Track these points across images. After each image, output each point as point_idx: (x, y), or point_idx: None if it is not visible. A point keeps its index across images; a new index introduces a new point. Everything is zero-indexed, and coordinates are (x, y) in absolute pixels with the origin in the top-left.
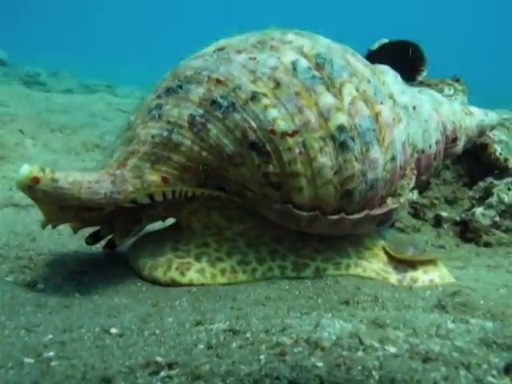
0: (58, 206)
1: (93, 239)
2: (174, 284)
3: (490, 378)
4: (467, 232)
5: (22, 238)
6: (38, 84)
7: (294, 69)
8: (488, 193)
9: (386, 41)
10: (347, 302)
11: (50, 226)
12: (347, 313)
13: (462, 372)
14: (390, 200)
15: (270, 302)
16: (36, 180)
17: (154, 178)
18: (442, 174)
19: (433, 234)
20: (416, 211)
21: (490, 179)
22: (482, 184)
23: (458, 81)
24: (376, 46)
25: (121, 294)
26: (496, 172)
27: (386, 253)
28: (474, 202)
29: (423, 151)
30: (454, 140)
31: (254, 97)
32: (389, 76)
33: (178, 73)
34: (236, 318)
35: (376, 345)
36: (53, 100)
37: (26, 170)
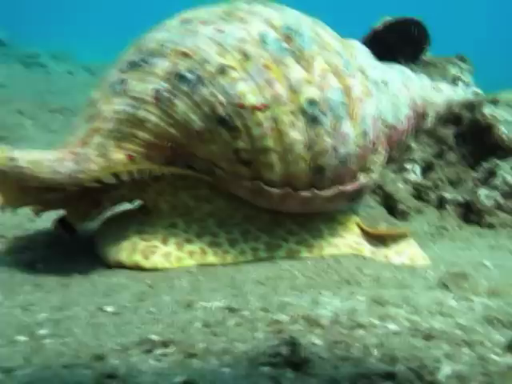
0: (18, 186)
1: (59, 225)
2: (138, 268)
3: (492, 356)
4: (470, 213)
5: (21, 218)
6: (37, 65)
7: (263, 41)
8: (492, 174)
9: (389, 18)
10: (348, 282)
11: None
12: (347, 291)
13: (465, 349)
14: (361, 176)
15: (270, 281)
16: None
17: (119, 156)
18: (445, 155)
19: (436, 215)
20: (419, 193)
21: (494, 160)
22: (485, 165)
23: (463, 60)
24: (379, 24)
25: (120, 274)
26: (500, 153)
27: (360, 228)
28: (478, 183)
29: (394, 126)
30: (423, 116)
31: (222, 70)
32: (359, 50)
33: (140, 45)
34: (234, 296)
35: (376, 322)
36: (53, 81)
37: None
